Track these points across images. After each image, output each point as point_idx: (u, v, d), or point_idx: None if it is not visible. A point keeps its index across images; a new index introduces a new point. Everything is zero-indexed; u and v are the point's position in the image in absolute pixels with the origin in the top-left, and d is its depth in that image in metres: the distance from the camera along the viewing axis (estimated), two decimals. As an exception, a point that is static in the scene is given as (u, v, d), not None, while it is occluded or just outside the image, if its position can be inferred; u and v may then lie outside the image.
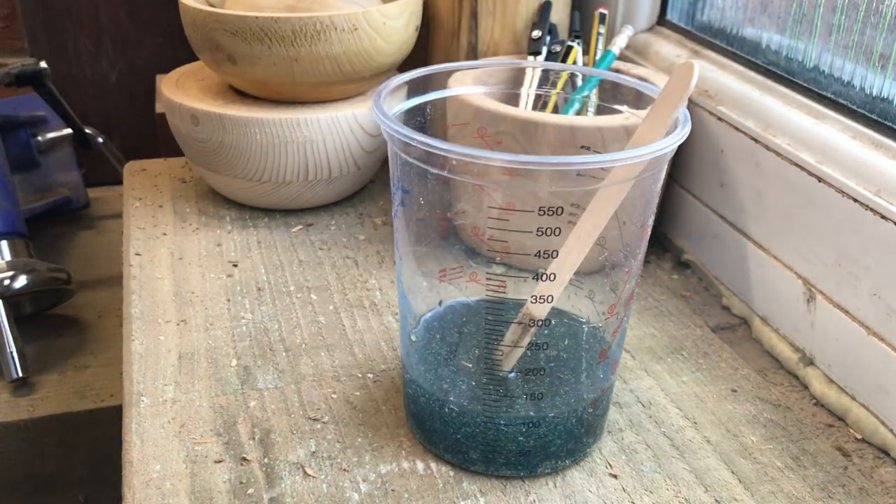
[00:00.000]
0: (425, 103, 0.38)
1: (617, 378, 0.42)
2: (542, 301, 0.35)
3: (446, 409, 0.37)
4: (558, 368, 0.37)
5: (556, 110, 0.49)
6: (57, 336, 0.76)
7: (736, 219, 0.52)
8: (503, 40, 0.61)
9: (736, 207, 0.52)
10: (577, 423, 0.38)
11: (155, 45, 0.99)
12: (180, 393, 0.43)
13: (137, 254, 0.56)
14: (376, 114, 0.34)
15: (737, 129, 0.51)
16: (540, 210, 0.32)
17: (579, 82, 0.49)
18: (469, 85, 0.43)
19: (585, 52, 0.59)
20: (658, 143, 0.32)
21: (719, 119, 0.52)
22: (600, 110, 0.44)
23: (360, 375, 0.45)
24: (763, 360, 0.48)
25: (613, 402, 0.43)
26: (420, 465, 0.39)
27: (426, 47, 0.68)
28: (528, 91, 0.45)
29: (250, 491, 0.37)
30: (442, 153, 0.31)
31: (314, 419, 0.41)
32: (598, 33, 0.58)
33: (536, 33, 0.59)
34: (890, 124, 0.44)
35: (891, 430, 0.41)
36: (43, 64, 0.85)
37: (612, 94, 0.41)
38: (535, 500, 0.37)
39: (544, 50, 0.59)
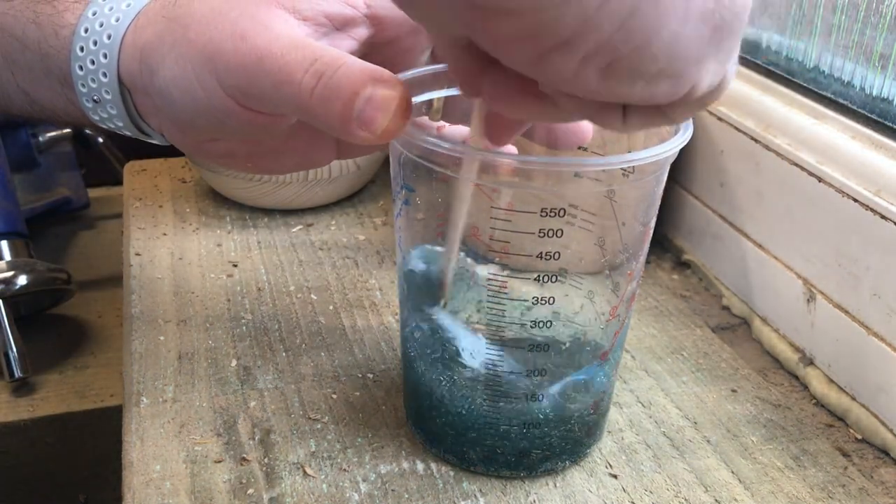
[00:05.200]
0: (422, 103, 0.38)
1: (617, 378, 0.42)
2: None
3: (446, 409, 0.37)
4: (559, 370, 0.37)
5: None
6: (57, 336, 0.76)
7: (736, 219, 0.52)
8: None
9: (736, 207, 0.52)
10: (578, 423, 0.38)
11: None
12: (180, 393, 0.43)
13: (137, 254, 0.56)
14: None
15: (737, 129, 0.51)
16: (542, 211, 0.32)
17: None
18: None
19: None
20: (660, 146, 0.32)
21: (719, 119, 0.52)
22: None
23: (360, 375, 0.45)
24: (763, 360, 0.48)
25: (613, 402, 0.43)
26: (420, 465, 0.39)
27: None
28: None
29: (250, 491, 0.37)
30: (454, 153, 0.31)
31: (314, 419, 0.41)
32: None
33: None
34: (890, 124, 0.44)
35: (891, 430, 0.41)
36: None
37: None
38: (535, 500, 0.37)
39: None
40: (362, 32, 0.36)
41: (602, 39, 0.21)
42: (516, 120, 0.31)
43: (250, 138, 0.37)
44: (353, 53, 0.36)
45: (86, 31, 0.34)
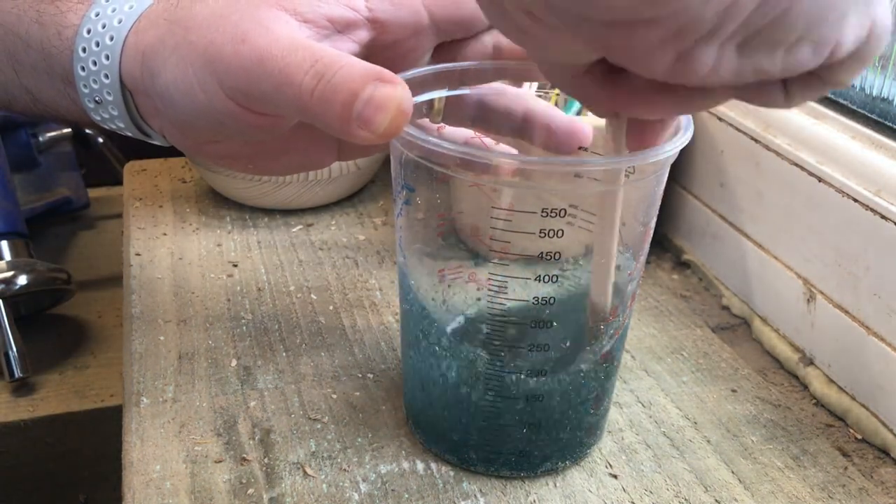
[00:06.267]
0: (423, 103, 0.38)
1: (617, 378, 0.42)
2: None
3: (446, 410, 0.37)
4: (559, 370, 0.37)
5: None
6: (57, 336, 0.76)
7: (736, 219, 0.52)
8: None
9: (736, 207, 0.52)
10: (578, 423, 0.38)
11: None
12: (180, 393, 0.43)
13: (137, 254, 0.56)
14: None
15: (737, 129, 0.51)
16: (542, 211, 0.32)
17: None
18: (469, 84, 0.43)
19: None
20: (661, 147, 0.32)
21: (719, 119, 0.53)
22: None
23: (360, 375, 0.45)
24: (763, 360, 0.48)
25: (613, 402, 0.43)
26: (420, 465, 0.39)
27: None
28: (528, 90, 0.45)
29: (250, 491, 0.37)
30: (455, 154, 0.31)
31: (314, 419, 0.41)
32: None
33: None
34: (890, 124, 0.44)
35: (891, 430, 0.41)
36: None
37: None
38: (535, 500, 0.37)
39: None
40: (363, 35, 0.36)
41: (741, 21, 0.20)
42: (660, 126, 0.31)
43: (251, 140, 0.37)
44: (354, 56, 0.36)
45: (88, 32, 0.34)
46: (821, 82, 0.23)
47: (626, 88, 0.26)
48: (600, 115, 0.29)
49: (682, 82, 0.22)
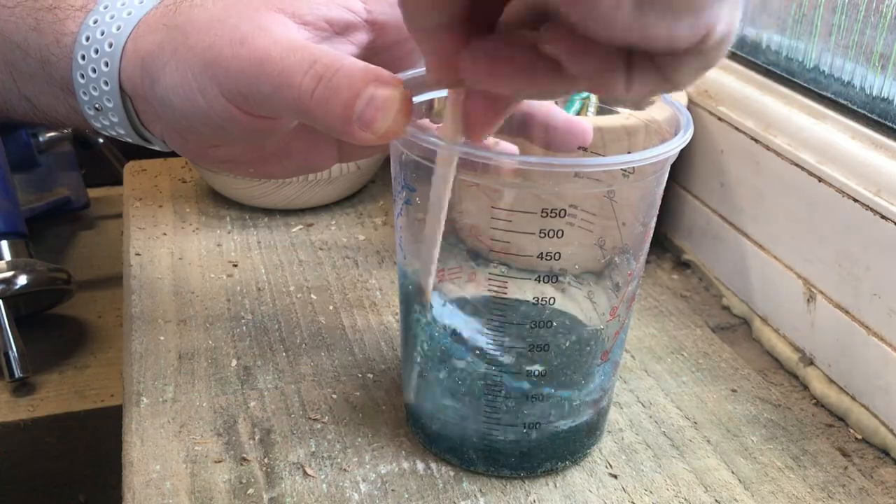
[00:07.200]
0: (423, 104, 0.38)
1: (617, 378, 0.42)
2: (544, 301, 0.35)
3: (446, 409, 0.37)
4: (559, 370, 0.37)
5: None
6: (57, 336, 0.76)
7: (736, 219, 0.52)
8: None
9: (736, 207, 0.52)
10: (578, 423, 0.38)
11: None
12: (180, 393, 0.43)
13: (137, 254, 0.56)
14: None
15: (737, 129, 0.51)
16: (542, 212, 0.32)
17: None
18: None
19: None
20: (661, 147, 0.32)
21: (719, 119, 0.52)
22: (600, 111, 0.44)
23: (360, 375, 0.45)
24: (763, 360, 0.48)
25: (613, 402, 0.43)
26: (420, 465, 0.39)
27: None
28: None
29: (250, 491, 0.37)
30: (458, 154, 0.31)
31: (314, 419, 0.41)
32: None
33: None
34: (890, 124, 0.44)
35: (891, 430, 0.41)
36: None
37: (612, 95, 0.41)
38: (535, 500, 0.37)
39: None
40: (362, 37, 0.36)
41: None
42: (494, 111, 0.30)
43: (252, 144, 0.37)
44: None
45: (87, 39, 0.34)
46: (665, 81, 0.23)
47: (475, 52, 0.25)
48: (446, 85, 0.28)
49: (572, 17, 0.21)
